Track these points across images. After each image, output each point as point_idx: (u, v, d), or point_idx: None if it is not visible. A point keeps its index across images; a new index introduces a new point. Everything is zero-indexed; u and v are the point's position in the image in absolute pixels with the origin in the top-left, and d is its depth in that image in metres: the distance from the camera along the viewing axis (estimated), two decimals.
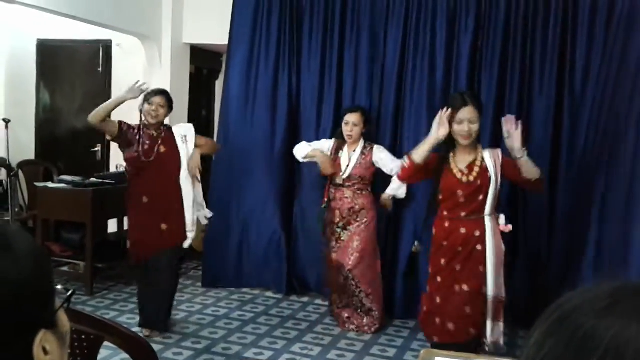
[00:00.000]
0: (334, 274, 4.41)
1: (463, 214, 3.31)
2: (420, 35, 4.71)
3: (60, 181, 5.15)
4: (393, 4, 4.79)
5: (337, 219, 4.35)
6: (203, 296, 5.06)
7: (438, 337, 3.44)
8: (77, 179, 5.05)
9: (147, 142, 4.03)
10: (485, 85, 4.57)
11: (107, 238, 5.62)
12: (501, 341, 3.34)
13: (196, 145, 4.14)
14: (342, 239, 4.36)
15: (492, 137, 4.46)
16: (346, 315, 4.44)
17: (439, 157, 3.39)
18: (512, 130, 3.20)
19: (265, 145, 5.16)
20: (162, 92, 4.12)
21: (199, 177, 4.19)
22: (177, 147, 4.07)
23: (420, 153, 3.30)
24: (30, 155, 6.65)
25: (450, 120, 3.27)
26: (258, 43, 5.20)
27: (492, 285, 3.28)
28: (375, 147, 4.42)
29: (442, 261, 3.36)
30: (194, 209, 4.11)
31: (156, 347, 3.83)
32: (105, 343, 1.62)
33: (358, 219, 4.32)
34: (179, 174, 4.06)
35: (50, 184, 5.23)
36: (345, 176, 4.33)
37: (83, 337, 1.56)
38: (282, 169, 5.13)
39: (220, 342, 4.11)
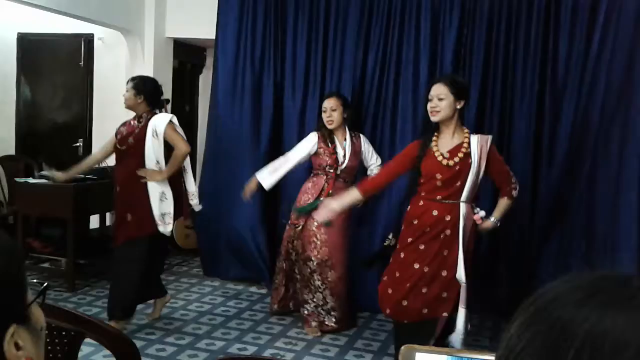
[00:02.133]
0: (301, 266, 4.33)
1: (439, 197, 3.33)
2: (405, 30, 4.72)
3: (41, 177, 5.09)
4: (377, 0, 4.79)
5: None
6: (186, 292, 5.04)
7: (390, 309, 3.47)
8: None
9: (125, 130, 4.03)
10: (469, 78, 4.58)
11: (88, 234, 5.57)
12: (461, 334, 3.34)
13: (168, 141, 3.97)
14: (323, 234, 4.25)
15: (476, 127, 4.48)
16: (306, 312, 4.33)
17: (420, 144, 3.41)
18: (476, 218, 3.35)
19: (252, 140, 5.17)
20: (132, 79, 4.10)
21: (187, 168, 4.18)
22: (144, 139, 3.95)
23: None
24: (11, 150, 6.57)
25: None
26: (244, 37, 5.20)
27: (462, 274, 3.27)
28: (362, 136, 4.43)
29: (409, 239, 3.39)
30: (162, 202, 4.00)
31: (139, 343, 3.80)
32: (87, 340, 1.60)
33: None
34: (141, 167, 3.96)
35: (30, 180, 5.16)
36: (343, 167, 4.28)
37: (63, 333, 1.55)
38: (267, 164, 5.12)
39: (204, 337, 4.09)
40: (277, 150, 4.98)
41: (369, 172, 4.39)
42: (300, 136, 4.86)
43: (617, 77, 3.67)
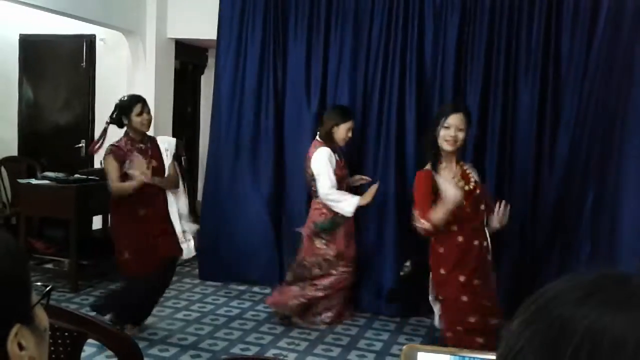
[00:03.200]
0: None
1: (472, 225, 3.23)
2: (408, 30, 4.71)
3: (44, 177, 5.10)
4: (378, 0, 4.79)
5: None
6: (189, 292, 5.05)
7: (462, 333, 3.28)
8: (60, 175, 5.01)
9: (141, 157, 3.86)
10: (471, 78, 4.60)
11: (91, 235, 5.58)
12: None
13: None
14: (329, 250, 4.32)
15: (478, 129, 4.49)
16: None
17: (430, 174, 3.23)
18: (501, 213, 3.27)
19: (254, 143, 5.19)
20: (144, 99, 3.95)
21: (182, 187, 4.10)
22: (162, 160, 3.96)
23: (440, 216, 3.14)
24: (13, 151, 6.58)
25: (438, 126, 3.23)
26: (245, 40, 5.20)
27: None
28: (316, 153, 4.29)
29: (462, 278, 3.20)
30: (182, 220, 4.01)
31: (141, 343, 3.81)
32: (90, 340, 1.61)
33: None
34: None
35: (33, 181, 5.17)
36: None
37: (66, 334, 1.55)
38: (269, 167, 5.14)
39: (207, 338, 4.10)
40: (278, 153, 5.02)
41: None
42: (301, 138, 4.86)
43: (618, 76, 3.66)
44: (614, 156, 3.56)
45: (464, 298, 3.21)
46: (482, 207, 3.27)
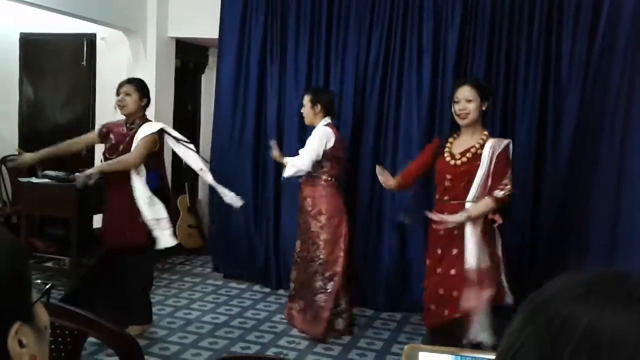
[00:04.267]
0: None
1: (446, 197, 3.36)
2: (407, 30, 4.72)
3: (44, 176, 5.10)
4: (379, 0, 4.79)
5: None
6: (190, 291, 5.05)
7: (426, 321, 3.54)
8: (61, 174, 5.01)
9: (114, 139, 3.89)
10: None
11: (92, 233, 5.58)
12: (483, 335, 3.29)
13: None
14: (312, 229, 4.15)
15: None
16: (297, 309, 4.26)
17: (434, 145, 3.48)
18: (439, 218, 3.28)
19: (253, 144, 5.21)
20: (130, 80, 3.93)
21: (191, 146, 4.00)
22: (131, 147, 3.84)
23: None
24: (14, 150, 6.57)
25: (452, 102, 3.37)
26: (247, 38, 5.22)
27: (473, 259, 3.22)
28: (317, 128, 4.16)
29: (430, 246, 3.46)
30: (151, 207, 3.81)
31: (142, 342, 3.81)
32: (91, 338, 1.61)
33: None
34: (125, 176, 3.81)
35: (34, 179, 5.17)
36: None
37: (67, 332, 1.55)
38: (268, 167, 5.15)
39: (207, 336, 4.10)
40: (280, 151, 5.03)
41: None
42: (301, 135, 4.87)
43: (618, 77, 3.66)
44: (615, 155, 3.56)
45: (427, 262, 3.50)
46: (462, 184, 3.29)
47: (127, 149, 3.84)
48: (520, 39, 4.51)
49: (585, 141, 4.14)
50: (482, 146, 3.29)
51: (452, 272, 3.32)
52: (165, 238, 3.87)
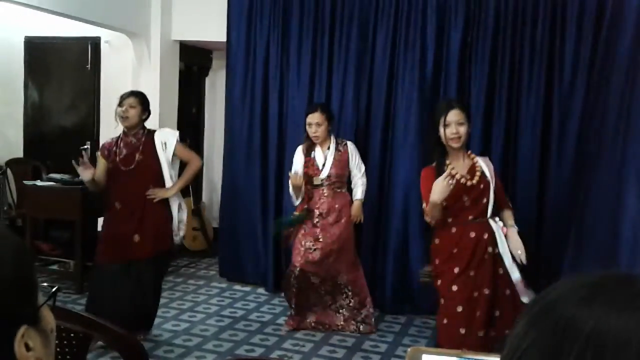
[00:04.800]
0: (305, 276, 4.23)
1: (470, 217, 3.26)
2: (410, 32, 4.71)
3: (49, 179, 5.12)
4: (383, 2, 4.79)
5: (316, 220, 4.21)
6: (194, 294, 5.05)
7: (467, 346, 3.21)
8: (66, 177, 5.03)
9: (125, 149, 3.89)
10: (475, 81, 4.60)
11: (96, 236, 5.59)
12: None
13: (176, 155, 3.96)
14: (320, 239, 4.19)
15: (482, 131, 4.49)
16: (314, 319, 4.35)
17: (433, 172, 3.29)
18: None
19: (261, 148, 5.23)
20: (134, 93, 3.98)
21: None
22: (156, 154, 3.89)
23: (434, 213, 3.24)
24: (19, 153, 6.60)
25: (439, 126, 3.26)
26: (253, 41, 5.23)
27: (516, 271, 3.23)
28: (349, 143, 4.33)
29: (456, 269, 3.25)
30: (179, 212, 4.00)
31: (146, 345, 3.82)
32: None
33: (337, 218, 4.22)
34: (158, 183, 3.90)
35: (39, 182, 5.19)
36: (324, 176, 4.21)
37: (72, 335, 1.55)
38: (273, 170, 5.16)
39: (212, 339, 4.10)
40: (279, 159, 5.09)
41: (353, 184, 4.33)
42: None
43: (622, 80, 3.65)
44: (617, 156, 3.55)
45: (454, 287, 3.26)
46: (485, 200, 3.28)
47: (146, 155, 3.88)
48: (524, 40, 4.50)
49: (589, 143, 4.13)
50: (479, 163, 3.34)
51: (507, 292, 3.23)
52: (178, 240, 4.10)
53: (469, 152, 3.38)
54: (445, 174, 3.10)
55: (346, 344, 4.13)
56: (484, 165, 3.34)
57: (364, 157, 4.80)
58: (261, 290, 5.21)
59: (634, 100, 3.40)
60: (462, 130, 3.25)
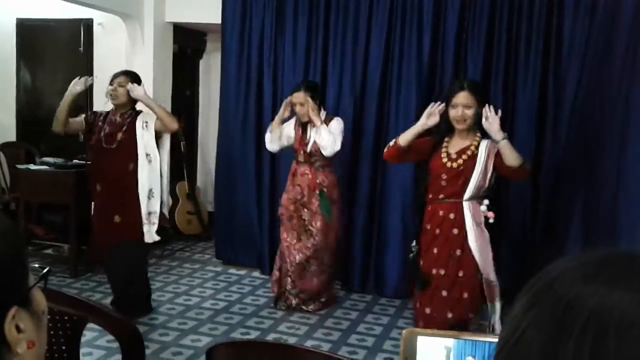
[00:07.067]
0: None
1: (441, 196, 3.34)
2: (407, 13, 4.67)
3: (42, 163, 5.09)
4: None
5: (299, 196, 4.25)
6: (189, 277, 5.05)
7: (421, 320, 3.43)
8: (59, 160, 5.00)
9: (108, 127, 3.87)
10: (471, 66, 4.57)
11: (90, 219, 5.57)
12: (497, 325, 3.34)
13: (159, 130, 3.90)
14: (303, 217, 4.25)
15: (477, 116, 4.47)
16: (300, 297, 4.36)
17: (431, 141, 3.40)
18: (490, 114, 3.22)
19: (255, 131, 5.19)
20: (126, 72, 3.95)
21: (163, 166, 3.98)
22: (135, 134, 3.84)
23: (405, 137, 3.42)
24: (11, 137, 6.55)
25: (448, 105, 3.32)
26: (248, 23, 5.18)
27: (482, 260, 3.28)
28: (336, 119, 4.25)
29: (425, 246, 3.38)
30: (149, 200, 3.87)
31: (142, 328, 3.82)
32: (90, 325, 1.60)
33: (319, 198, 4.22)
34: (135, 163, 3.84)
35: (32, 166, 5.16)
36: (308, 150, 4.20)
37: (66, 318, 1.55)
38: (268, 153, 5.13)
39: (207, 322, 4.11)
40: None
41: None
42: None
43: (620, 62, 3.62)
44: (616, 139, 3.54)
45: (421, 262, 3.40)
46: (461, 181, 3.30)
47: (129, 135, 3.85)
48: (520, 26, 4.47)
49: (586, 131, 4.11)
50: (477, 147, 3.32)
51: (460, 274, 3.29)
52: (150, 233, 3.91)
53: (478, 132, 3.35)
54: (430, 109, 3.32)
55: (341, 326, 4.14)
56: (484, 149, 3.31)
57: (359, 139, 4.78)
58: (256, 273, 5.22)
59: (634, 82, 3.38)
60: (469, 112, 3.26)
